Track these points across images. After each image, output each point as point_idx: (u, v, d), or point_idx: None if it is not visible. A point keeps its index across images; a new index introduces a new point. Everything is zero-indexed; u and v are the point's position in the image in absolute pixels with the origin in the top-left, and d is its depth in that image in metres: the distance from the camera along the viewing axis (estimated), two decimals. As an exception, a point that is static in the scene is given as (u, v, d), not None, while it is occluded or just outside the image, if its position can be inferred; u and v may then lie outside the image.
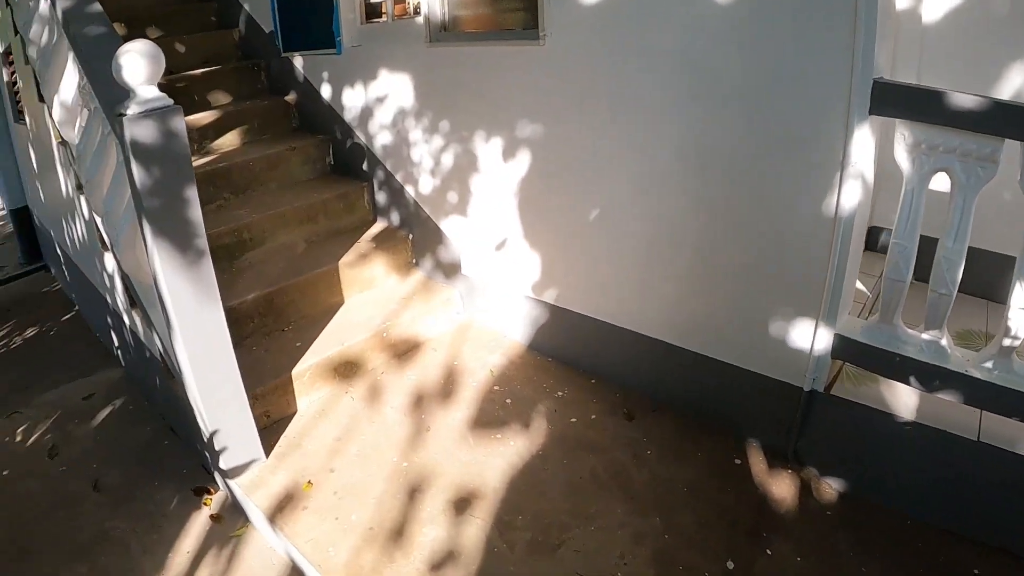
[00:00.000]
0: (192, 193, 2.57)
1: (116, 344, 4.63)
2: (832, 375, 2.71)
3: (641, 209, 3.04)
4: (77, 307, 6.19)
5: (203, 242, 2.66)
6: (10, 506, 3.44)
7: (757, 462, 2.87)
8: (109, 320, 4.50)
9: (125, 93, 2.46)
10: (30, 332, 6.06)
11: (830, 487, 2.72)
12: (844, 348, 2.56)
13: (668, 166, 2.87)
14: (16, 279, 7.96)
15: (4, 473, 3.75)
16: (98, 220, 3.45)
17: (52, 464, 3.74)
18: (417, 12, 4.09)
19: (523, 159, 3.49)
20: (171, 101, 2.49)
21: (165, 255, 2.56)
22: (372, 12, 4.41)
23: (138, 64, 2.38)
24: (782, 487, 2.73)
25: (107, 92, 2.77)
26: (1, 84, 7.60)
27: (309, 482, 2.98)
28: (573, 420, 3.23)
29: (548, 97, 3.26)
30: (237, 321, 3.59)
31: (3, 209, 11.89)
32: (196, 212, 2.59)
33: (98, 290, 4.45)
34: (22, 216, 8.23)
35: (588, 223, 3.28)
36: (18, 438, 4.09)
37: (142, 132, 2.40)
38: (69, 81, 3.45)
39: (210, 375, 2.84)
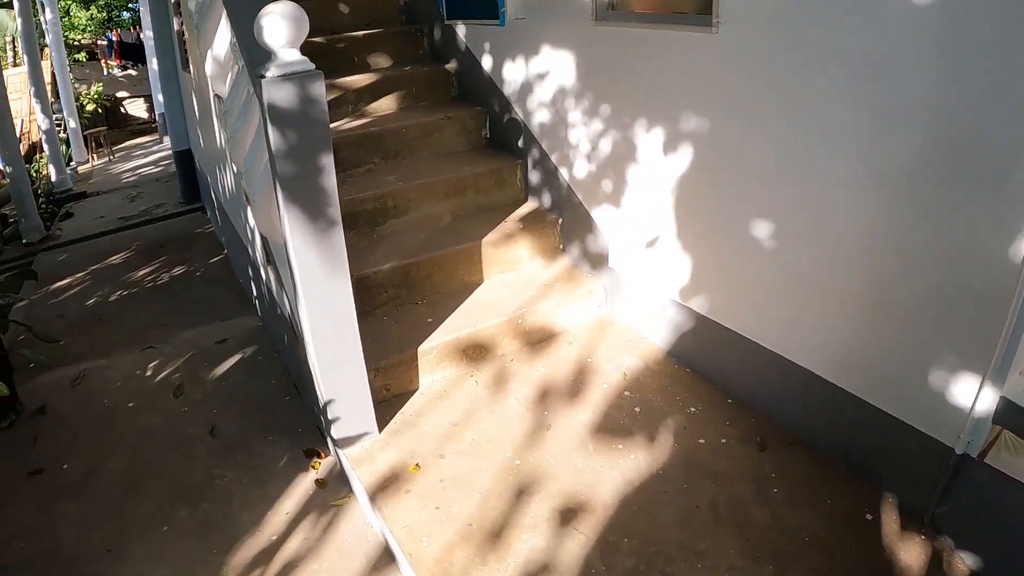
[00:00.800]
0: (328, 161, 2.56)
1: (255, 294, 4.82)
2: (989, 440, 2.37)
3: (805, 224, 2.76)
4: (226, 251, 6.53)
5: (336, 211, 2.65)
6: (130, 439, 3.69)
7: (890, 521, 2.57)
8: (250, 270, 4.69)
9: (267, 55, 2.46)
10: (178, 270, 6.50)
11: (963, 563, 2.39)
12: (1008, 413, 2.22)
13: (839, 180, 2.57)
14: (173, 217, 8.58)
15: (130, 405, 4.03)
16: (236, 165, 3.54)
17: (175, 403, 3.97)
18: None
19: (683, 154, 3.26)
20: (312, 66, 2.47)
21: (296, 221, 2.58)
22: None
23: (280, 26, 2.37)
24: (911, 553, 2.43)
25: (252, 52, 2.79)
26: (172, 32, 8.08)
27: (417, 465, 2.96)
28: (702, 441, 3.03)
29: (715, 90, 3.01)
30: (370, 290, 3.62)
31: (169, 148, 12.78)
32: (331, 180, 2.59)
33: (242, 239, 4.63)
34: (184, 158, 8.82)
35: (745, 232, 3.02)
36: (148, 373, 4.37)
37: (280, 95, 2.40)
38: (222, 37, 3.53)
39: (331, 344, 2.86)
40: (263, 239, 3.51)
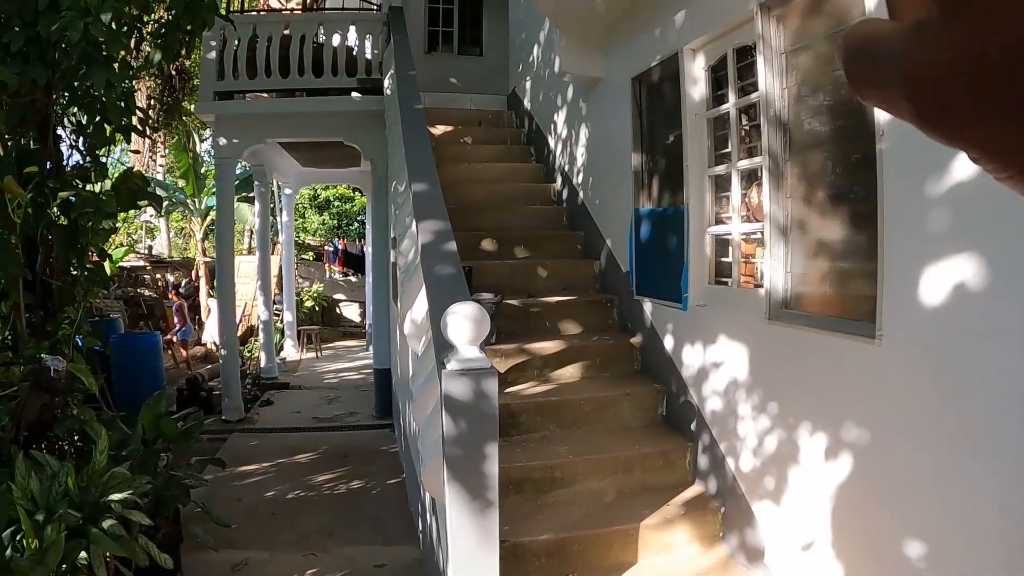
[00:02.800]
0: (492, 450, 2.85)
1: (420, 528, 5.05)
2: None
3: (959, 548, 2.69)
4: (404, 476, 6.86)
5: (494, 495, 2.90)
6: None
7: None
8: (420, 506, 4.95)
9: (449, 346, 2.83)
10: (356, 483, 6.87)
11: None
12: None
13: (995, 503, 2.53)
14: (363, 429, 9.15)
15: None
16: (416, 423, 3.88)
17: None
18: (762, 279, 4.17)
19: (843, 461, 3.31)
20: (488, 364, 2.83)
21: (456, 497, 2.85)
22: (721, 271, 4.60)
23: (463, 326, 2.75)
24: None
25: (439, 335, 3.15)
26: (388, 263, 9.05)
27: None
28: None
29: (876, 401, 3.11)
30: (523, 557, 3.79)
31: (371, 359, 13.73)
32: (493, 467, 2.86)
33: (416, 473, 4.94)
34: (383, 376, 9.56)
35: (905, 558, 2.96)
36: None
37: (456, 388, 2.75)
38: (421, 304, 4.01)
39: None
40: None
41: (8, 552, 3.13)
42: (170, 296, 16.00)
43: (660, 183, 5.14)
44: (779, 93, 3.92)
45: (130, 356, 9.61)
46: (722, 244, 4.60)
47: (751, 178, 4.29)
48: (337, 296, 20.61)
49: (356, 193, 24.07)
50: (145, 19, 4.67)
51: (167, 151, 15.86)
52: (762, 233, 4.05)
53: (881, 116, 2.99)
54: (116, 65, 4.30)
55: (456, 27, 11.95)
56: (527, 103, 8.58)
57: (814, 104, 3.75)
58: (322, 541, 5.30)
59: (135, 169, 6.75)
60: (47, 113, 5.09)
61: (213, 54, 9.26)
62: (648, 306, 5.11)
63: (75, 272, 5.21)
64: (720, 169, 4.52)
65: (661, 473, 4.49)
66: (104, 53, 4.23)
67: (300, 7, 11.36)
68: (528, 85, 8.52)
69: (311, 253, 22.46)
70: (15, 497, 3.60)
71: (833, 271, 3.61)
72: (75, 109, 5.45)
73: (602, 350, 5.19)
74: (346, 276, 21.53)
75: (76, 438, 4.82)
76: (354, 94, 9.47)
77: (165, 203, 19.83)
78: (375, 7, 10.76)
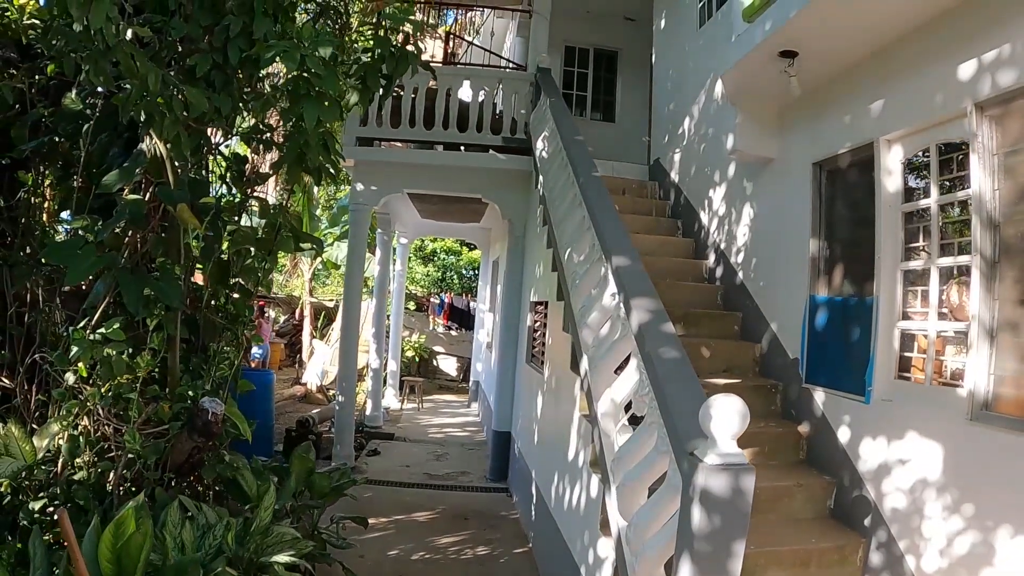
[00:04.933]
0: (740, 548, 2.81)
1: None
2: None
3: None
4: (531, 545, 6.84)
5: None
6: None
7: None
8: (565, 581, 4.94)
9: (699, 432, 2.86)
10: (481, 550, 6.90)
11: None
12: None
13: None
14: (479, 491, 9.21)
15: None
16: (612, 511, 3.88)
17: None
18: (955, 378, 4.15)
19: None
20: (746, 460, 2.81)
21: None
22: (903, 366, 4.57)
23: (731, 420, 2.78)
24: None
25: (676, 420, 3.22)
26: (520, 325, 9.13)
27: None
28: None
29: None
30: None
31: (477, 416, 13.81)
32: (737, 565, 2.81)
33: (569, 553, 4.94)
34: (502, 439, 9.61)
35: None
36: None
37: (715, 483, 2.74)
38: (626, 382, 4.06)
39: None
40: (615, 572, 3.78)
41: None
42: (255, 320, 16.56)
43: (843, 272, 5.17)
44: (991, 193, 3.92)
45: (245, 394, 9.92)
46: (906, 339, 4.58)
47: (948, 276, 4.27)
48: (436, 348, 20.94)
49: (464, 247, 24.56)
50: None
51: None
52: (961, 332, 4.07)
53: None
54: (327, 103, 4.30)
55: (590, 92, 12.25)
56: (674, 175, 8.66)
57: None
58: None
59: (291, 208, 6.86)
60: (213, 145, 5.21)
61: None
62: (820, 395, 5.07)
63: (226, 308, 5.29)
64: (915, 264, 4.52)
65: (835, 568, 4.41)
66: (317, 89, 4.23)
67: (441, 61, 11.73)
68: (676, 157, 8.61)
69: (412, 303, 22.89)
70: (166, 547, 3.57)
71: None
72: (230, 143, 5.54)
73: (768, 438, 5.18)
74: (449, 329, 21.85)
75: (220, 486, 4.85)
76: (492, 151, 9.75)
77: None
78: (513, 65, 11.06)
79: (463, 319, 21.63)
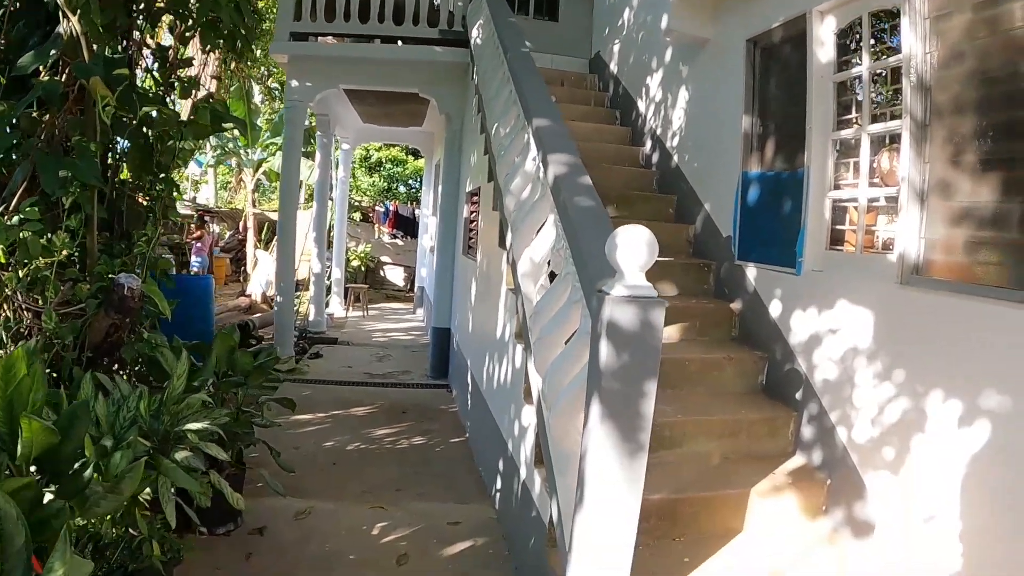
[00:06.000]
0: (651, 387, 2.70)
1: (497, 487, 5.01)
2: None
3: None
4: (468, 435, 6.86)
5: (646, 437, 2.74)
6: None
7: None
8: (500, 464, 4.90)
9: (610, 271, 2.72)
10: (418, 440, 6.93)
11: None
12: None
13: None
14: (419, 387, 9.19)
15: (351, 557, 4.28)
16: (532, 375, 3.79)
17: (398, 570, 4.16)
18: (886, 247, 4.11)
19: (979, 431, 3.22)
20: (655, 293, 2.68)
21: (604, 439, 2.70)
22: (835, 237, 4.52)
23: (636, 250, 2.62)
24: None
25: (588, 264, 3.07)
26: (458, 218, 8.99)
27: None
28: None
29: None
30: (633, 516, 3.69)
31: (422, 321, 13.76)
32: (649, 407, 2.71)
33: (499, 431, 4.88)
34: (441, 335, 9.60)
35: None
36: (375, 532, 4.63)
37: (622, 315, 2.61)
38: (544, 240, 3.93)
39: (599, 567, 2.87)
40: (538, 440, 3.71)
41: (88, 474, 2.92)
42: (193, 229, 16.28)
43: (774, 147, 5.04)
44: (922, 58, 3.81)
45: (183, 298, 9.67)
46: (838, 211, 4.51)
47: (879, 144, 4.18)
48: (383, 258, 20.74)
49: (409, 156, 24.10)
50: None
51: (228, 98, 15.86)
52: (892, 199, 3.97)
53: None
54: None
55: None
56: (613, 67, 8.49)
57: (960, 70, 3.65)
58: (391, 496, 5.30)
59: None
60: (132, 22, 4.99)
61: (292, -8, 9.26)
62: (751, 271, 5.01)
63: (151, 192, 5.17)
64: (846, 133, 4.40)
65: (764, 441, 4.41)
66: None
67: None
68: (616, 48, 8.41)
69: (359, 213, 22.51)
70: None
71: (976, 238, 3.52)
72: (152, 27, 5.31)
73: (699, 313, 5.13)
74: (394, 238, 21.60)
75: (140, 366, 4.75)
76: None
77: (216, 152, 19.97)
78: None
79: (408, 227, 21.35)
